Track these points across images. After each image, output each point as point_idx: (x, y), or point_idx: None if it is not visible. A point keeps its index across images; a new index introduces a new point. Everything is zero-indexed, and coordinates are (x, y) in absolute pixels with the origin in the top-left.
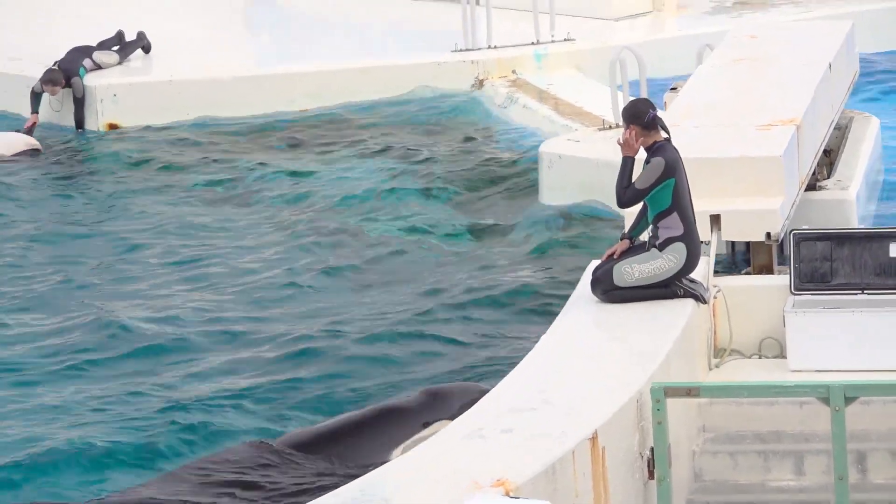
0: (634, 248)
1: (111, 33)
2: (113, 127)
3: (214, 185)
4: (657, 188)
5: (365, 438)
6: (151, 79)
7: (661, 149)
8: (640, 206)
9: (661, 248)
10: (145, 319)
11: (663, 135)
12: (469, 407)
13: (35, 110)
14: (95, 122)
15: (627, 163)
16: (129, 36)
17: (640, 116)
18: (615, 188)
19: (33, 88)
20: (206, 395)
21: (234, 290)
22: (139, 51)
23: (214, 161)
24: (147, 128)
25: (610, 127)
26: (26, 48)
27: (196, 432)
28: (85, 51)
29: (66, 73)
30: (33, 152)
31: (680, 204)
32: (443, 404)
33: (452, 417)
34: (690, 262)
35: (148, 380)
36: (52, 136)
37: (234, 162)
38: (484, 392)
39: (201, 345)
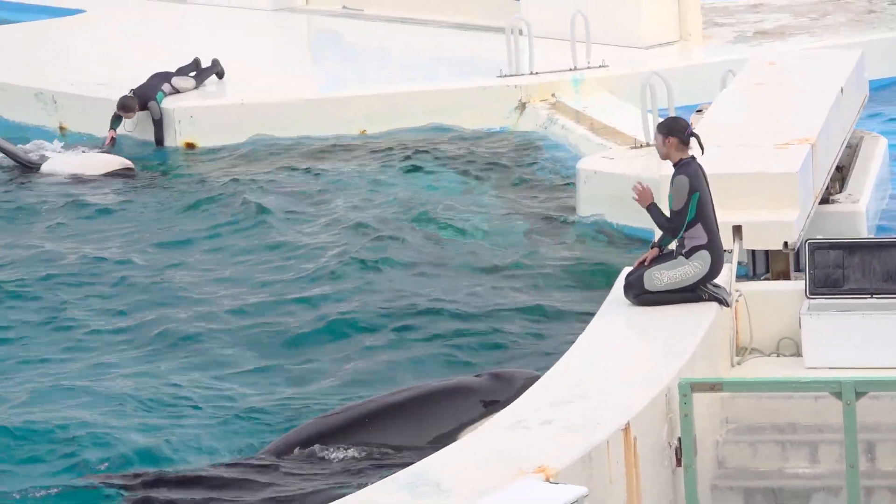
0: (663, 256)
1: (188, 60)
2: (190, 146)
3: (283, 196)
4: (688, 203)
5: (432, 416)
6: (225, 102)
7: (685, 166)
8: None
9: (688, 255)
10: (233, 312)
11: (690, 153)
12: (515, 395)
13: (113, 128)
14: (174, 140)
15: (652, 209)
16: (205, 63)
17: (681, 131)
18: (659, 227)
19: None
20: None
21: (310, 284)
22: (214, 76)
23: (283, 175)
24: (221, 146)
25: (641, 146)
26: (113, 75)
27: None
28: (164, 76)
29: (143, 98)
30: (127, 171)
31: (704, 215)
32: (505, 386)
33: (510, 400)
34: (714, 269)
35: (230, 375)
36: (135, 152)
37: (300, 175)
38: (536, 378)
39: (289, 332)
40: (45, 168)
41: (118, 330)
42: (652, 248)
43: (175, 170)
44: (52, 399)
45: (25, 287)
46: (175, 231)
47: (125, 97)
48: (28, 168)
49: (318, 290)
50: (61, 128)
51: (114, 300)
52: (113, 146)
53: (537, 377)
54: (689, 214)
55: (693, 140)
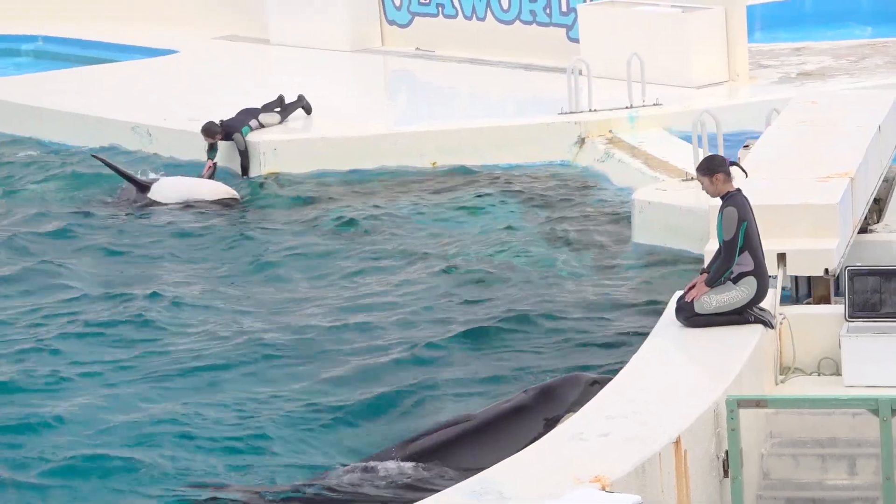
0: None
1: (273, 98)
2: (274, 176)
3: (360, 225)
4: (738, 232)
5: (494, 442)
6: (307, 136)
7: (732, 198)
8: (716, 245)
9: (735, 281)
10: (312, 328)
11: (735, 184)
12: (581, 394)
13: (210, 157)
14: (259, 171)
15: (714, 282)
16: (289, 99)
17: (722, 165)
18: (722, 271)
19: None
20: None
21: (386, 310)
22: (300, 111)
23: (360, 203)
24: (303, 178)
25: (692, 178)
26: (202, 110)
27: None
28: (251, 112)
29: (228, 130)
30: (231, 200)
31: (751, 243)
32: (556, 399)
33: (571, 406)
34: (760, 294)
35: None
36: (224, 181)
37: (377, 205)
38: (590, 380)
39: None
40: (154, 188)
41: (213, 352)
42: (701, 273)
43: (261, 199)
44: (165, 426)
45: (126, 303)
46: (261, 255)
47: (210, 122)
48: (140, 188)
49: (393, 316)
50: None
51: (207, 323)
52: (213, 174)
53: (591, 379)
54: (738, 243)
55: (734, 168)
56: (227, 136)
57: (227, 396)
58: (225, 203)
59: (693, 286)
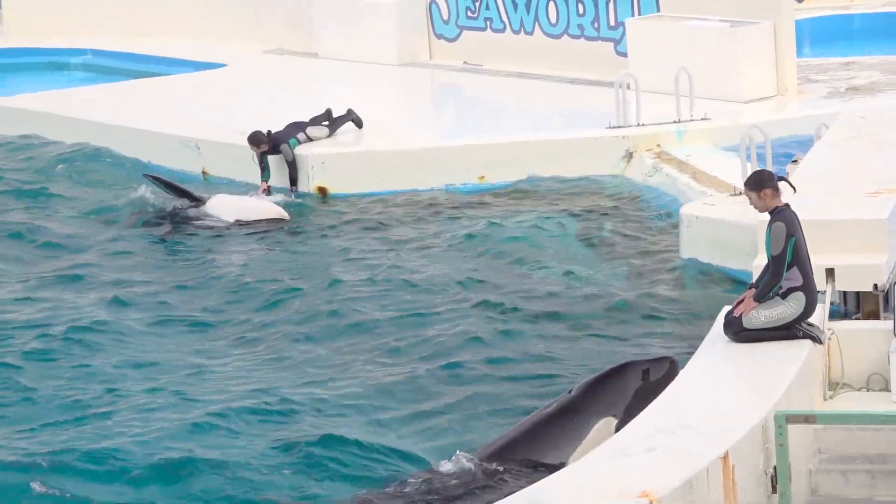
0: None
1: (321, 111)
2: (321, 190)
3: (407, 240)
4: (786, 247)
5: (547, 443)
6: (354, 149)
7: (780, 213)
8: (765, 260)
9: (784, 296)
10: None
11: (783, 199)
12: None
13: (265, 179)
14: (307, 185)
15: (764, 298)
16: (337, 113)
17: (771, 179)
18: (771, 286)
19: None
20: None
21: (437, 323)
22: (350, 124)
23: (407, 219)
24: (350, 191)
25: (739, 193)
26: (251, 123)
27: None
28: (299, 126)
29: (276, 141)
30: (281, 221)
31: (799, 258)
32: (606, 395)
33: (627, 402)
34: (809, 309)
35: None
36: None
37: (424, 220)
38: (644, 368)
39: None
40: (209, 204)
41: (263, 363)
42: (750, 288)
43: (310, 214)
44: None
45: (174, 312)
46: (309, 271)
47: (256, 131)
48: (195, 203)
49: (440, 329)
50: (204, 172)
51: (261, 339)
52: (268, 195)
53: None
54: (787, 258)
55: (782, 183)
56: (275, 148)
57: (278, 406)
58: (276, 222)
59: (741, 301)
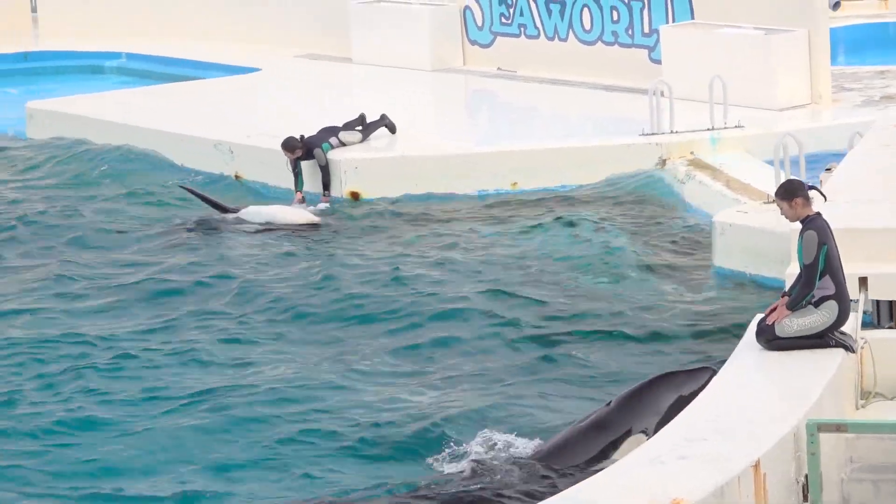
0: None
1: (354, 116)
2: (354, 195)
3: (438, 246)
4: (818, 255)
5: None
6: (387, 154)
7: (812, 221)
8: (798, 268)
9: (816, 305)
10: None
11: (814, 209)
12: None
13: (299, 188)
14: (339, 189)
15: (797, 306)
16: (370, 118)
17: (802, 188)
18: (803, 295)
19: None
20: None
21: (469, 328)
22: (383, 129)
23: (439, 225)
24: (383, 196)
25: (773, 201)
26: (284, 128)
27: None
28: (332, 131)
29: (309, 146)
30: (313, 226)
31: (832, 267)
32: (640, 409)
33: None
34: (841, 318)
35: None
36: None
37: (456, 225)
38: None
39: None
40: (242, 212)
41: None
42: (782, 296)
43: (342, 219)
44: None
45: (205, 318)
46: (339, 277)
47: (290, 137)
48: (227, 212)
49: (473, 336)
50: (237, 176)
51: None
52: (303, 203)
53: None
54: (819, 266)
55: (812, 192)
56: (308, 153)
57: (323, 409)
58: (307, 228)
59: (774, 309)
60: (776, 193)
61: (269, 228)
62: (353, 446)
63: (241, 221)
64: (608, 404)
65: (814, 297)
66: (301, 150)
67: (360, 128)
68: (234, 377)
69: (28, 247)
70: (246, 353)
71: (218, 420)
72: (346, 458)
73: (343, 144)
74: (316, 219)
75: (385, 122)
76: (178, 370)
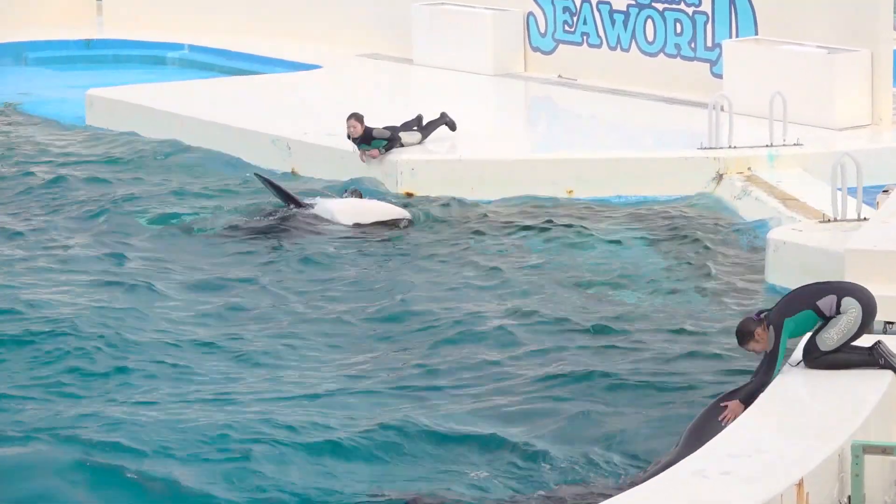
0: (826, 319)
1: (412, 116)
2: (409, 195)
3: (492, 251)
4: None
5: None
6: (444, 157)
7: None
8: None
9: (839, 310)
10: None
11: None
12: None
13: (376, 147)
14: (395, 188)
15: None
16: (429, 118)
17: (751, 323)
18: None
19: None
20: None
21: (517, 337)
22: (443, 129)
23: (493, 230)
24: (437, 199)
25: (829, 220)
26: (343, 126)
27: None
28: (391, 129)
29: (369, 133)
30: (404, 220)
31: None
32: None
33: None
34: (868, 308)
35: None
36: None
37: (510, 232)
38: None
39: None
40: (324, 207)
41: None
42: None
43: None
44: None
45: (271, 313)
46: (392, 277)
47: (355, 113)
48: (301, 207)
49: (525, 348)
50: (293, 172)
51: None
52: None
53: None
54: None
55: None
56: (366, 138)
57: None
58: (394, 223)
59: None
60: (739, 344)
61: (356, 225)
62: (375, 454)
63: (320, 218)
64: (677, 444)
65: (833, 309)
66: (362, 127)
67: (416, 128)
68: (269, 377)
69: (90, 238)
70: (282, 355)
71: (246, 422)
72: (372, 465)
73: (402, 145)
74: (405, 212)
75: (445, 121)
76: (210, 364)
